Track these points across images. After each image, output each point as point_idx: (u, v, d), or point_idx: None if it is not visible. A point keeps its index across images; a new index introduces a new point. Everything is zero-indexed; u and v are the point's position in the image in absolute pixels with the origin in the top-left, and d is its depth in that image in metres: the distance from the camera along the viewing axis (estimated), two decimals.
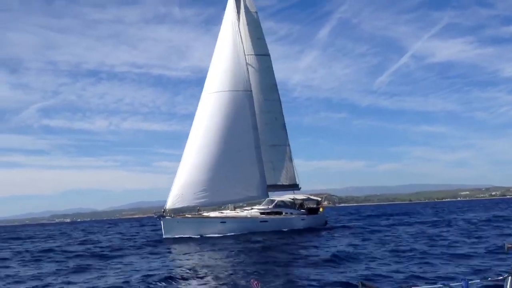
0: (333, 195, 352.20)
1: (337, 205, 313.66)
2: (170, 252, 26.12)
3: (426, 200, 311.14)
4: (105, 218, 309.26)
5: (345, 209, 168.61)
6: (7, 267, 22.58)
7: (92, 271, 19.02)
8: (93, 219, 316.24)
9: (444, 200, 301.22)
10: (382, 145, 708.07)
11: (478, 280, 8.78)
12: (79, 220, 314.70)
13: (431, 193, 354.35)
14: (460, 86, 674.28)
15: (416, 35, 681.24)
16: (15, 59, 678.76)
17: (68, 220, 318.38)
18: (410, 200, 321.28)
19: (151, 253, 25.39)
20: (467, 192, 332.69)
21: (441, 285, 7.42)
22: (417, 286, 8.92)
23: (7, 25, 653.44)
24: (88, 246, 33.01)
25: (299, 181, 42.43)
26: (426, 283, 11.88)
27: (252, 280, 5.93)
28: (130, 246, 30.70)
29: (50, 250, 31.28)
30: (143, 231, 51.78)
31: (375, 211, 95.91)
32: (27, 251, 31.84)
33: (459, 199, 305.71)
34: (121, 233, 51.46)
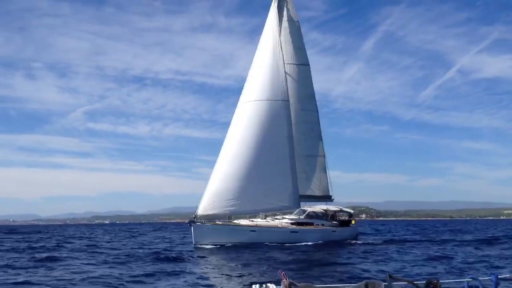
0: (372, 209, 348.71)
1: (375, 218, 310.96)
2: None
3: (468, 218, 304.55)
4: (143, 222, 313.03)
5: (385, 223, 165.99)
6: None
7: None
8: (131, 221, 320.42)
9: (486, 218, 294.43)
10: (424, 160, 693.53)
11: (508, 275, 8.39)
12: (117, 222, 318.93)
13: (473, 211, 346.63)
14: (507, 102, 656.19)
15: (463, 49, 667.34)
16: (64, 63, 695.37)
17: (107, 222, 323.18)
18: (451, 217, 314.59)
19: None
20: (511, 211, 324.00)
21: (470, 279, 7.19)
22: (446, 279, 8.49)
23: (58, 31, 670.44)
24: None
25: (333, 192, 42.13)
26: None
27: (280, 271, 6.00)
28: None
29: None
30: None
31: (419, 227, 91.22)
32: None
33: (502, 217, 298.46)
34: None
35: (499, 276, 6.87)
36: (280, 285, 6.18)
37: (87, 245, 37.43)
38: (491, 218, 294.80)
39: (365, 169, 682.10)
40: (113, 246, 36.31)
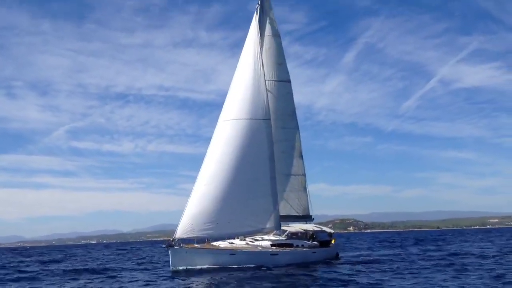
0: (359, 221, 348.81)
1: (363, 230, 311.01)
2: None
3: (455, 227, 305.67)
4: (130, 240, 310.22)
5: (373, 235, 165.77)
6: None
7: None
8: (118, 241, 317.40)
9: (472, 227, 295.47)
10: (408, 170, 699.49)
11: None
12: (104, 241, 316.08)
13: (459, 220, 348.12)
14: (488, 111, 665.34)
15: (443, 60, 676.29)
16: (45, 81, 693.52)
17: (94, 242, 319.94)
18: (438, 227, 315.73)
19: None
20: (496, 220, 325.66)
21: None
22: None
23: (39, 48, 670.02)
24: None
25: (312, 211, 41.20)
26: None
27: None
28: None
29: None
30: None
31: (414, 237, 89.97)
32: None
33: (488, 226, 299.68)
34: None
35: None
36: None
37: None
38: (477, 227, 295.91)
39: (350, 181, 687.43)
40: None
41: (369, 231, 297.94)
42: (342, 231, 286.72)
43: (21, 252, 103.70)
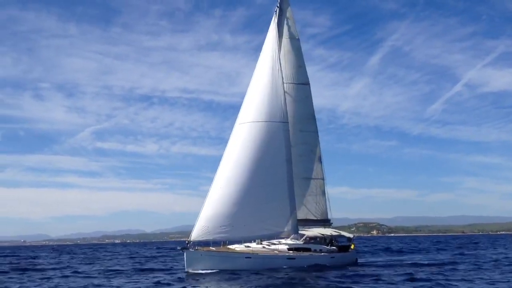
0: (383, 225, 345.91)
1: (386, 234, 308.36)
2: None
3: (480, 233, 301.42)
4: (153, 240, 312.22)
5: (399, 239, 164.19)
6: None
7: None
8: (141, 240, 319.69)
9: (498, 233, 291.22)
10: (433, 174, 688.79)
11: None
12: (128, 241, 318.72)
13: (485, 225, 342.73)
14: None
15: (470, 63, 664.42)
16: (71, 83, 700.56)
17: (118, 241, 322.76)
18: (463, 232, 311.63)
19: None
20: None
21: None
22: None
23: (66, 51, 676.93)
24: None
25: (331, 216, 40.61)
26: None
27: None
28: None
29: None
30: None
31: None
32: None
33: None
34: None
35: None
36: None
37: None
38: (503, 232, 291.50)
39: (374, 184, 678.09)
40: None
41: (392, 235, 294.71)
42: (365, 235, 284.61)
43: None
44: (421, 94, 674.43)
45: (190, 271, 32.76)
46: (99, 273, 35.28)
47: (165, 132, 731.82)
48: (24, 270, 40.26)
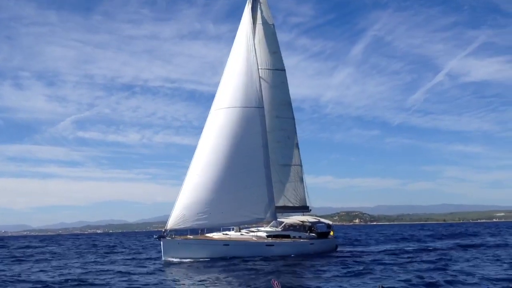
0: (365, 213, 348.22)
1: (369, 223, 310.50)
2: None
3: (461, 221, 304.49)
4: (136, 230, 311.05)
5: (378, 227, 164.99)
6: None
7: None
8: (124, 230, 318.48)
9: (479, 221, 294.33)
10: (415, 163, 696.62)
11: None
12: (110, 231, 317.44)
13: (465, 214, 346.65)
14: (496, 105, 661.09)
15: (451, 53, 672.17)
16: (52, 72, 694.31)
17: (100, 231, 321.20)
18: (444, 220, 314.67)
19: None
20: (503, 214, 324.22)
21: None
22: None
23: (46, 39, 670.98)
24: None
25: (310, 202, 40.35)
26: None
27: (272, 280, 5.29)
28: None
29: None
30: None
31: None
32: None
33: (494, 220, 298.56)
34: None
35: None
36: None
37: None
38: (484, 220, 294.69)
39: (357, 174, 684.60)
40: None
41: (374, 223, 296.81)
42: (347, 223, 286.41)
43: None
44: (403, 83, 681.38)
45: (167, 259, 32.40)
46: None
47: (147, 122, 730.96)
48: None
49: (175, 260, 32.11)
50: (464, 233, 73.31)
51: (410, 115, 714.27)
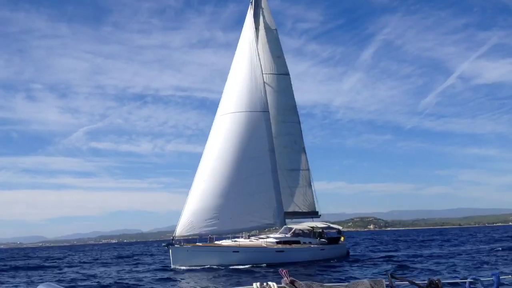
0: (379, 219, 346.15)
1: (383, 228, 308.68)
2: None
3: (477, 225, 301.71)
4: (150, 240, 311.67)
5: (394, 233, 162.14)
6: None
7: None
8: (138, 240, 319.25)
9: (495, 224, 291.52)
10: (429, 167, 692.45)
11: (511, 276, 7.55)
12: (125, 241, 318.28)
13: (481, 218, 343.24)
14: (510, 107, 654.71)
15: (463, 55, 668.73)
16: (64, 83, 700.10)
17: (114, 241, 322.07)
18: (460, 225, 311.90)
19: None
20: None
21: (472, 279, 6.82)
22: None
23: (57, 51, 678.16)
24: None
25: (319, 208, 40.09)
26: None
27: (281, 270, 5.61)
28: None
29: None
30: None
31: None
32: None
33: (510, 223, 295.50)
34: None
35: (500, 277, 6.59)
36: (281, 284, 5.69)
37: None
38: (500, 224, 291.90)
39: (370, 179, 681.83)
40: None
41: (389, 229, 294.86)
42: (362, 229, 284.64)
43: None
44: (414, 87, 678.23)
45: (176, 267, 32.15)
46: None
47: (159, 131, 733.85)
48: None
49: (184, 268, 31.88)
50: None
51: (423, 119, 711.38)
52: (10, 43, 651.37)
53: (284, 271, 5.64)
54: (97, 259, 50.66)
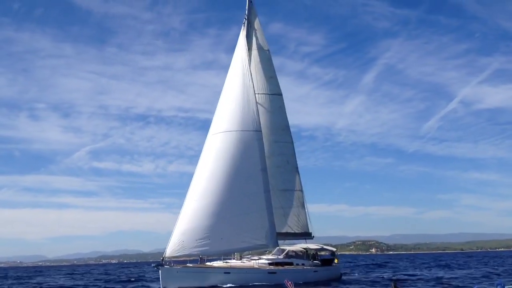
0: (381, 242, 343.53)
1: (385, 252, 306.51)
2: None
3: (479, 250, 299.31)
4: (151, 260, 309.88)
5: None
6: None
7: None
8: (139, 260, 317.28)
9: (497, 250, 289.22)
10: (430, 191, 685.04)
11: None
12: (125, 261, 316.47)
13: (483, 243, 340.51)
14: (511, 132, 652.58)
15: (464, 80, 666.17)
16: (68, 103, 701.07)
17: (115, 261, 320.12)
18: (462, 250, 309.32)
19: None
20: None
21: None
22: None
23: (61, 71, 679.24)
24: None
25: (312, 229, 39.52)
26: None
27: (286, 281, 4.93)
28: None
29: None
30: None
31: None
32: None
33: None
34: None
35: (506, 286, 6.03)
36: None
37: None
38: (502, 249, 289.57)
39: (372, 202, 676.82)
40: None
41: (391, 252, 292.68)
42: (364, 253, 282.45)
43: None
44: (416, 111, 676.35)
45: None
46: None
47: (161, 151, 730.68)
48: None
49: None
50: None
51: (425, 143, 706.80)
52: (15, 62, 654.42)
53: (289, 282, 5.52)
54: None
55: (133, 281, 33.82)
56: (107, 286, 40.34)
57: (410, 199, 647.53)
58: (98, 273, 73.10)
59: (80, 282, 46.24)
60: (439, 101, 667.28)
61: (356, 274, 45.51)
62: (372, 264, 76.81)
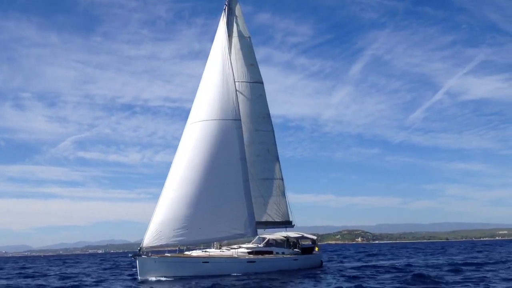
0: (367, 232, 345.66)
1: (371, 242, 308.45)
2: None
3: (464, 239, 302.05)
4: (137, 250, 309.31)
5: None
6: None
7: None
8: (125, 250, 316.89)
9: (482, 239, 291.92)
10: (416, 182, 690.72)
11: None
12: (111, 251, 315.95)
13: (468, 232, 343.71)
14: (496, 123, 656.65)
15: (450, 72, 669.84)
16: (53, 92, 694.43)
17: (101, 251, 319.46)
18: (447, 239, 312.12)
19: None
20: (505, 232, 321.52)
21: None
22: None
23: (47, 60, 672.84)
24: None
25: (293, 217, 39.25)
26: None
27: None
28: None
29: None
30: None
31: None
32: None
33: (497, 238, 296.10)
34: None
35: None
36: None
37: None
38: (487, 239, 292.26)
39: (358, 192, 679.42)
40: None
41: (377, 242, 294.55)
42: (350, 242, 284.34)
43: None
44: (402, 102, 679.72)
45: (143, 278, 31.21)
46: None
47: (148, 141, 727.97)
48: None
49: (152, 279, 30.96)
50: None
51: (410, 134, 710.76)
52: None
53: None
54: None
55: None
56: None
57: (396, 189, 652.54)
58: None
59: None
60: (425, 92, 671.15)
61: (337, 263, 45.50)
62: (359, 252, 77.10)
